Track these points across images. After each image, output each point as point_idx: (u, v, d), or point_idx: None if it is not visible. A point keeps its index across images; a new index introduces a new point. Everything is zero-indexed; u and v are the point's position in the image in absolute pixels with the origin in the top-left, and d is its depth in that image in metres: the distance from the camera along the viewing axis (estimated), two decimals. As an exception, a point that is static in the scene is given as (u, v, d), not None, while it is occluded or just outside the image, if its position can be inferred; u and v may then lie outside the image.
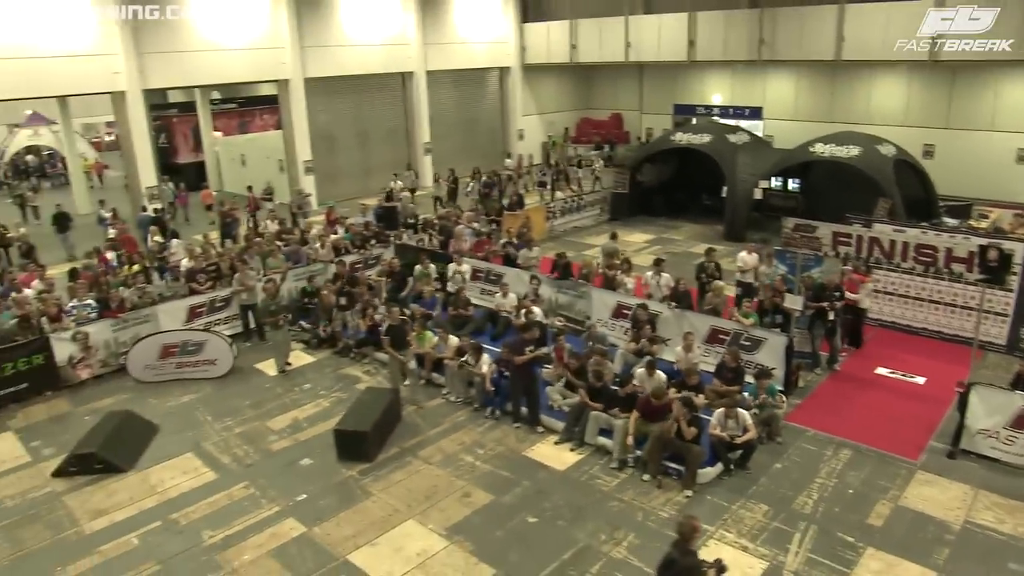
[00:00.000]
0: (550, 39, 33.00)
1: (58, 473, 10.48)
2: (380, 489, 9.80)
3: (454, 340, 12.48)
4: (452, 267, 15.63)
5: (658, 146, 24.54)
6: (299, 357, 14.08)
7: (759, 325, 12.37)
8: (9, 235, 20.24)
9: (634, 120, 35.36)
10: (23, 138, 36.02)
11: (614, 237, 16.60)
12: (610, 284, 14.36)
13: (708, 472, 9.72)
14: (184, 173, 30.65)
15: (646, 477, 9.77)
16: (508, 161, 29.54)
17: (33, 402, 12.58)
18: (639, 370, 11.27)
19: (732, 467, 9.86)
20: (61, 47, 21.03)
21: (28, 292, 14.16)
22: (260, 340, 14.62)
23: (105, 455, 10.39)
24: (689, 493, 9.43)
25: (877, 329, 14.17)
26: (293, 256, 15.79)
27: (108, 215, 20.96)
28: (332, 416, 11.64)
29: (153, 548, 8.83)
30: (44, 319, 13.14)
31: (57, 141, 34.12)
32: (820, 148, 20.00)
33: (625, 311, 13.63)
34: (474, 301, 15.16)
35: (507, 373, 11.52)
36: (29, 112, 37.07)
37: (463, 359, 11.94)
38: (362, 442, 10.32)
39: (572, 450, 10.52)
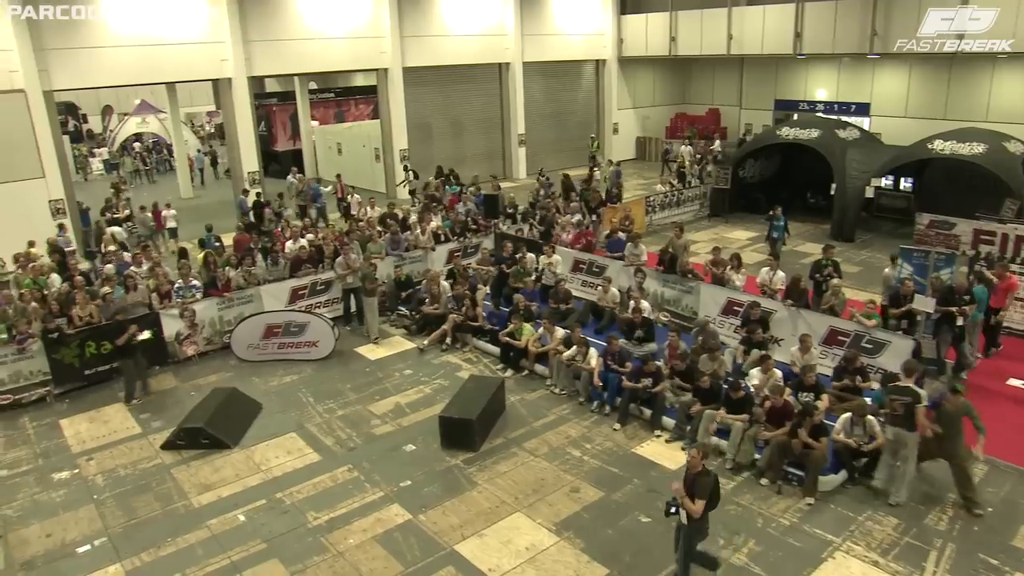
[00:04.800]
0: (649, 31, 32.30)
1: (167, 446, 10.63)
2: (486, 479, 9.54)
3: (560, 331, 12.14)
4: (542, 259, 15.29)
5: (763, 141, 23.66)
6: (399, 343, 14.00)
7: (882, 327, 11.63)
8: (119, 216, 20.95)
9: (732, 115, 34.32)
10: (132, 125, 37.44)
11: (680, 232, 15.92)
12: (719, 281, 13.78)
13: (831, 480, 9.11)
14: (282, 160, 31.31)
15: (764, 481, 9.25)
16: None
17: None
18: (754, 370, 10.74)
19: (857, 476, 9.23)
20: (174, 35, 21.61)
21: (142, 269, 14.48)
22: (360, 324, 14.58)
23: (212, 431, 10.47)
24: (811, 501, 8.85)
25: (1007, 338, 13.16)
26: (393, 242, 15.71)
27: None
28: (434, 403, 11.49)
29: (259, 526, 8.80)
30: (155, 295, 13.39)
31: (163, 129, 35.36)
32: (940, 145, 18.85)
33: (736, 308, 13.04)
34: (575, 293, 14.79)
35: (615, 367, 11.14)
36: (138, 101, 38.59)
37: (569, 352, 11.58)
38: (467, 431, 10.09)
39: (683, 449, 10.04)
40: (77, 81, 20.97)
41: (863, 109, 28.98)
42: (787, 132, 22.08)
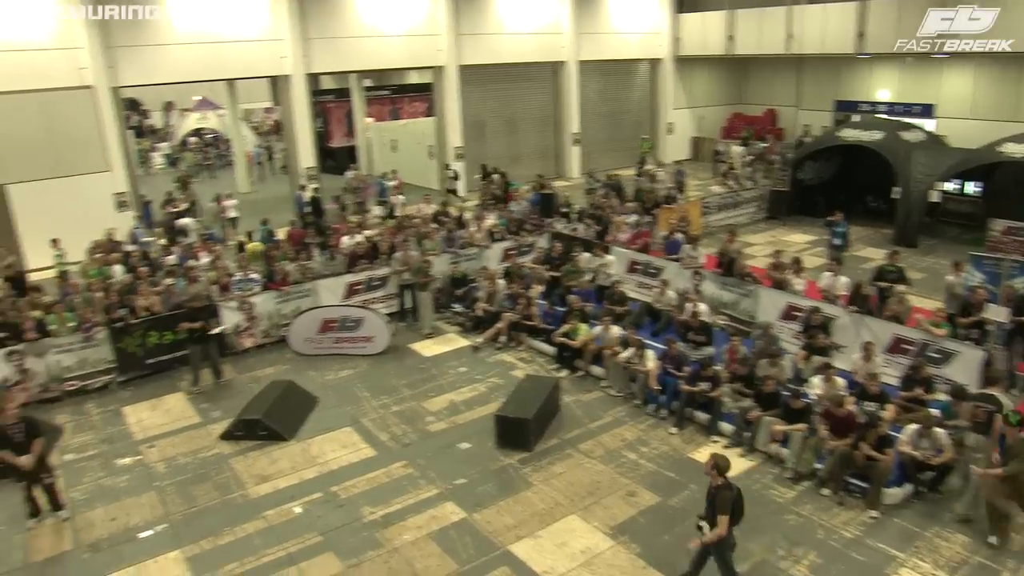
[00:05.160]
0: (706, 30, 31.86)
1: (225, 436, 10.80)
2: (541, 480, 9.48)
3: (616, 331, 12.02)
4: (596, 260, 15.16)
5: (823, 143, 23.16)
6: (453, 341, 14.02)
7: (952, 336, 11.26)
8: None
9: (790, 116, 33.66)
10: (192, 121, 38.26)
11: (732, 237, 15.42)
12: (779, 285, 13.51)
13: (896, 493, 8.84)
14: (337, 157, 31.68)
15: (825, 492, 9.01)
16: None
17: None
18: (815, 377, 10.50)
19: (923, 489, 8.95)
20: (235, 33, 22.00)
21: (201, 262, 14.75)
22: (415, 320, 14.63)
23: (269, 423, 10.60)
24: (875, 514, 8.61)
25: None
26: (448, 239, 15.74)
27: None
28: (489, 401, 11.47)
29: (315, 519, 8.87)
30: (215, 287, 13.62)
31: (222, 125, 36.06)
32: (1011, 148, 18.21)
33: (796, 313, 12.76)
34: (631, 294, 14.64)
35: (672, 371, 11.00)
36: (198, 98, 39.40)
37: (625, 353, 11.45)
38: (523, 430, 10.04)
39: (742, 456, 9.85)
40: (142, 77, 21.45)
41: (927, 110, 28.15)
42: (849, 134, 21.57)
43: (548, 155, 30.56)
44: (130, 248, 16.44)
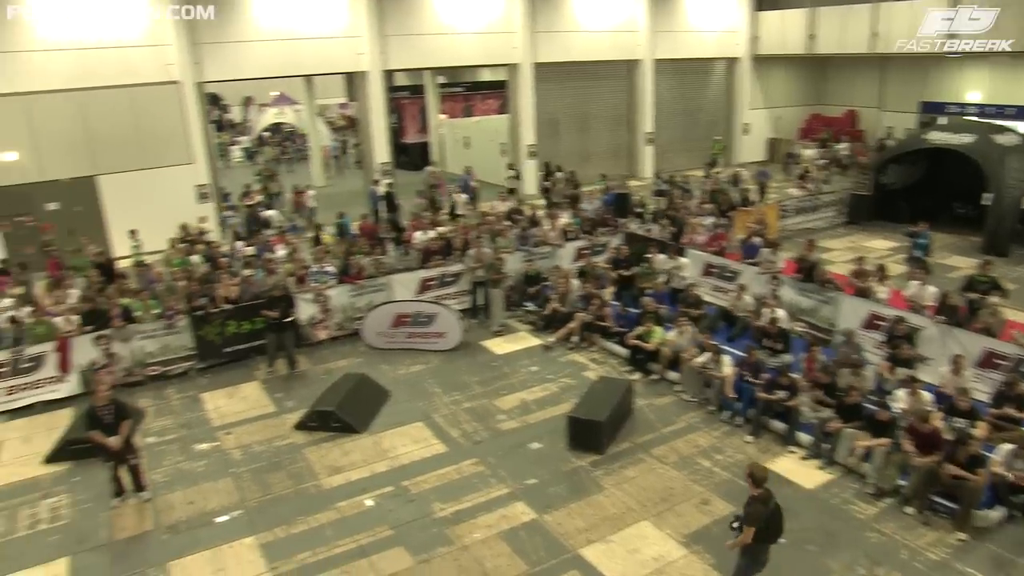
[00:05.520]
0: (785, 28, 31.05)
1: (299, 426, 10.97)
2: (613, 484, 9.34)
3: (691, 335, 11.79)
4: (671, 262, 14.90)
5: (908, 145, 22.30)
6: (525, 339, 13.98)
7: (1049, 351, 10.68)
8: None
9: (871, 117, 32.60)
10: (270, 116, 39.17)
11: (811, 246, 14.85)
12: (861, 293, 13.05)
13: (988, 515, 8.40)
14: (410, 152, 31.99)
15: (909, 510, 8.63)
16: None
17: (277, 354, 13.28)
18: (900, 391, 10.09)
19: (1018, 514, 8.50)
20: (315, 30, 22.40)
21: (278, 254, 15.03)
22: (486, 317, 14.63)
23: (342, 415, 10.71)
24: (963, 536, 8.20)
25: None
26: (522, 237, 15.70)
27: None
28: (560, 401, 11.38)
29: (386, 512, 8.92)
30: (292, 279, 13.86)
31: (298, 120, 36.81)
32: (1115, 154, 17.27)
33: (880, 322, 12.30)
34: (706, 298, 14.36)
35: (748, 378, 10.72)
36: (276, 93, 40.31)
37: (701, 358, 11.22)
38: (596, 432, 9.92)
39: (820, 468, 9.53)
40: (225, 73, 21.99)
41: (1022, 113, 26.88)
42: (936, 136, 20.68)
43: (620, 154, 30.29)
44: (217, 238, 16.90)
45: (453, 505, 9.00)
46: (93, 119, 19.93)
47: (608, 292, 14.41)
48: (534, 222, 16.39)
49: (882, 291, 12.97)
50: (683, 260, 14.95)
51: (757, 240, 15.27)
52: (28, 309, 12.92)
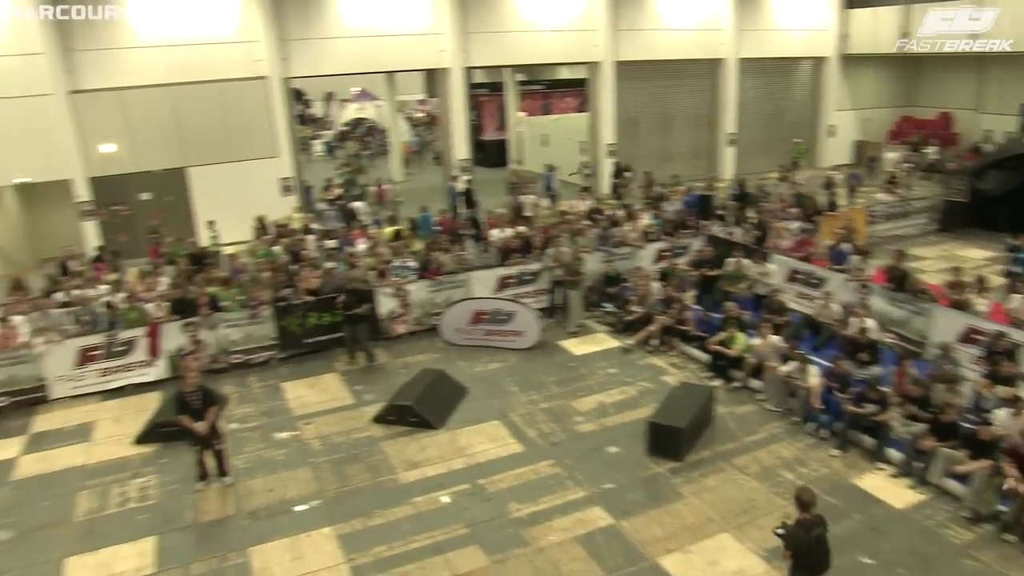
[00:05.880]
0: (877, 26, 29.90)
1: (377, 419, 11.05)
2: (692, 492, 9.12)
3: (774, 341, 11.45)
4: (757, 267, 14.51)
5: (1010, 150, 21.25)
6: (603, 340, 13.81)
7: None
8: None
9: (967, 120, 31.14)
10: (351, 112, 39.83)
11: (901, 256, 14.19)
12: (958, 305, 12.44)
13: (1098, 547, 7.90)
14: (488, 149, 32.07)
15: (1009, 538, 8.14)
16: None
17: (354, 346, 13.44)
18: (1001, 411, 9.54)
19: None
20: (398, 27, 22.64)
21: (359, 248, 15.22)
22: (564, 317, 14.50)
23: (420, 410, 10.76)
24: (1071, 568, 7.71)
25: None
26: (602, 237, 15.53)
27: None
28: (638, 406, 11.18)
29: (462, 510, 8.90)
30: (372, 273, 14.01)
31: (379, 116, 37.32)
32: None
33: (977, 337, 11.70)
34: (790, 305, 13.93)
35: (836, 389, 10.33)
36: (356, 89, 40.97)
37: (786, 367, 10.87)
38: (676, 439, 9.70)
39: (912, 487, 9.10)
40: (311, 69, 22.41)
41: None
42: (1041, 141, 19.67)
43: (701, 155, 29.73)
44: (315, 227, 17.32)
45: (529, 506, 8.92)
46: (185, 113, 20.59)
47: (689, 295, 14.10)
48: (614, 222, 16.18)
49: (981, 304, 12.35)
50: (771, 266, 14.55)
51: (846, 246, 14.74)
52: (122, 295, 13.37)
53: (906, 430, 9.67)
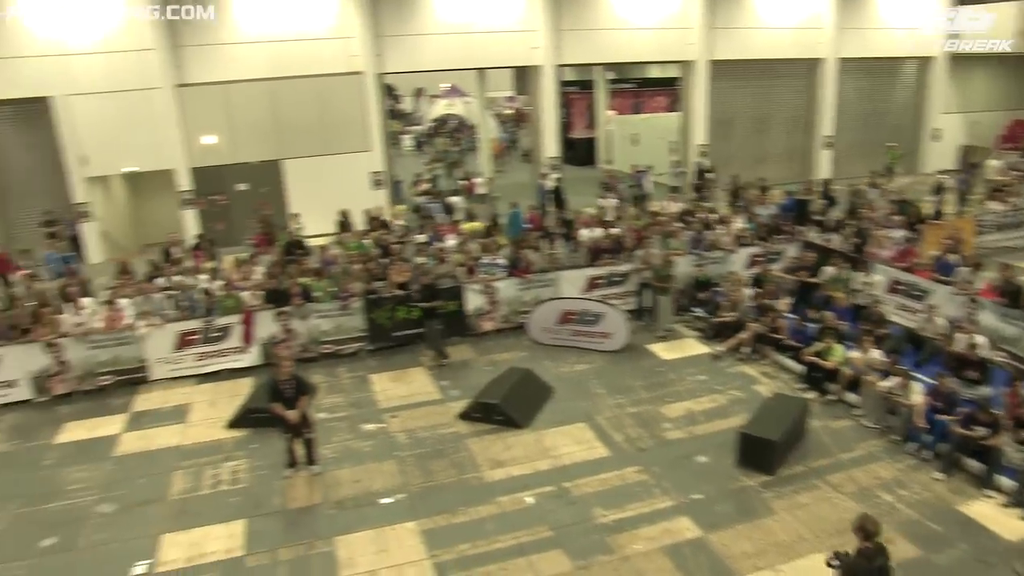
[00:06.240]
0: (995, 23, 28.33)
1: (463, 416, 11.07)
2: (784, 508, 8.80)
3: (875, 355, 10.96)
4: (860, 277, 13.94)
5: None
6: (692, 346, 13.52)
7: None
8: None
9: (1087, 125, 29.34)
10: (440, 107, 40.22)
11: (1008, 270, 13.25)
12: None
13: None
14: (577, 148, 31.87)
15: None
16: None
17: (431, 343, 13.53)
18: None
19: None
20: (491, 23, 22.74)
21: (449, 243, 15.30)
22: (652, 320, 14.25)
23: (506, 409, 10.73)
24: None
25: None
26: (695, 240, 15.19)
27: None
28: (728, 415, 10.88)
29: (546, 512, 8.82)
30: (461, 269, 14.06)
31: (468, 112, 37.56)
32: None
33: (1100, 358, 10.97)
34: (891, 317, 13.34)
35: (941, 408, 9.81)
36: (446, 85, 41.35)
37: (886, 382, 10.39)
38: (768, 451, 9.38)
39: (1024, 519, 8.58)
40: (405, 65, 22.71)
41: None
42: None
43: (795, 157, 28.81)
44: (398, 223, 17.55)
45: (615, 512, 8.77)
46: (282, 107, 21.17)
47: (784, 303, 13.65)
48: (707, 225, 15.80)
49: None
50: (876, 277, 13.97)
51: (953, 257, 14.01)
52: (220, 283, 13.79)
53: (1020, 456, 9.12)
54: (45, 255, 16.49)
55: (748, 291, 13.80)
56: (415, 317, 13.43)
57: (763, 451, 9.44)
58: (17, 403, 12.31)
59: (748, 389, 11.78)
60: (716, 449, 10.02)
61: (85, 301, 13.13)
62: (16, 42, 18.72)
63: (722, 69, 26.14)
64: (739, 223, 16.02)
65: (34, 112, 19.46)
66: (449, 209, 19.58)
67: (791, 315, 13.38)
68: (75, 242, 19.28)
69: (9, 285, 15.28)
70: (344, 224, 17.62)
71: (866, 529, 6.34)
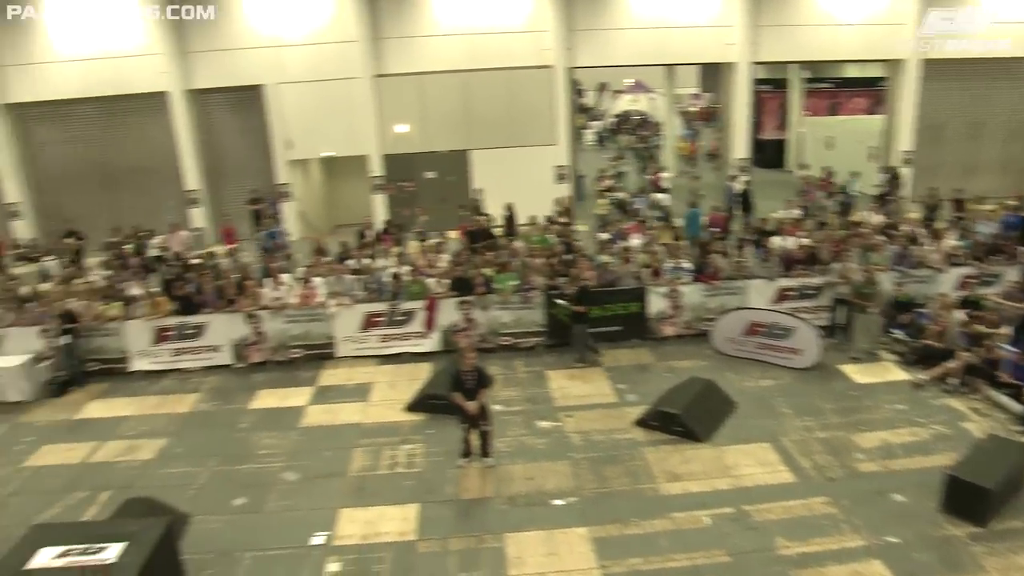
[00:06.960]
0: None
1: (640, 423, 10.81)
2: (997, 568, 7.84)
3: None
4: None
5: None
6: (889, 371, 12.50)
7: None
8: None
9: None
10: (624, 103, 39.86)
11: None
12: None
13: None
14: (764, 149, 30.57)
15: None
16: None
17: (621, 346, 13.39)
18: None
19: None
20: (685, 18, 22.32)
21: (633, 243, 15.03)
22: (846, 339, 13.32)
23: (687, 420, 10.35)
24: None
25: None
26: (899, 256, 14.03)
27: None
28: (931, 452, 9.93)
29: (724, 536, 8.39)
30: (646, 271, 13.76)
31: (651, 108, 36.95)
32: None
33: None
34: None
35: None
36: (630, 81, 40.90)
37: None
38: (981, 500, 8.44)
39: None
40: (595, 59, 22.63)
41: None
42: None
43: (1010, 169, 25.96)
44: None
45: (799, 545, 8.20)
46: (473, 98, 21.68)
47: (1004, 332, 12.29)
48: (913, 240, 14.52)
49: None
50: None
51: None
52: (408, 268, 14.25)
53: None
54: (263, 232, 17.74)
55: (958, 315, 12.57)
56: (595, 316, 13.19)
57: (975, 498, 8.51)
58: (219, 367, 13.50)
59: (955, 426, 10.70)
60: (916, 489, 9.14)
61: (284, 277, 14.00)
62: (236, 36, 20.37)
63: (936, 69, 23.96)
64: (952, 240, 14.61)
65: (247, 99, 21.11)
66: (656, 206, 19.23)
67: (1011, 347, 12.03)
68: (276, 220, 20.69)
69: (229, 254, 16.52)
70: (509, 219, 17.75)
71: None
